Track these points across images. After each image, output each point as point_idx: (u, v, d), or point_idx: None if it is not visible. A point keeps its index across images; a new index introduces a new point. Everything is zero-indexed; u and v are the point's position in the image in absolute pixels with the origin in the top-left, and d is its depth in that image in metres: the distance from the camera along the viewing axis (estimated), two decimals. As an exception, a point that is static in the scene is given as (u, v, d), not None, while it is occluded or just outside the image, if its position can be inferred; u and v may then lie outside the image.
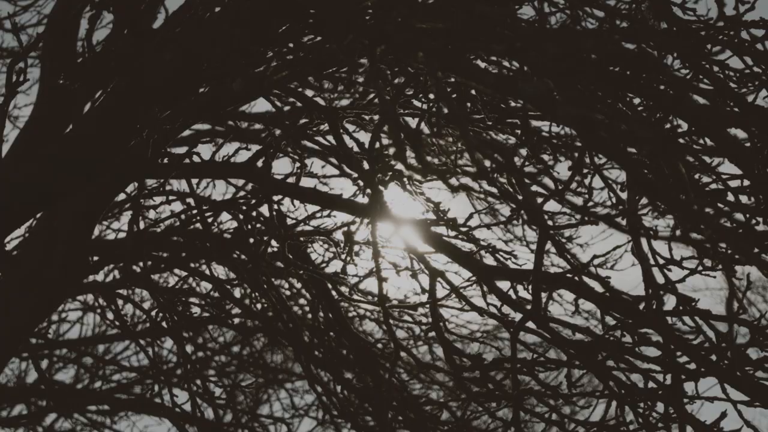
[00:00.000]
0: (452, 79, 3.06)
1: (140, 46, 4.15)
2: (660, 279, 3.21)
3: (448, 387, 5.59)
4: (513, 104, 3.43)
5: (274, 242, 4.38)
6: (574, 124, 2.19)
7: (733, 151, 3.68)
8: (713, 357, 3.46)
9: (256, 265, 4.43)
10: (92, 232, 4.51)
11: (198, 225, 4.53)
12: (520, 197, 3.27)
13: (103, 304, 5.02)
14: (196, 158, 3.94)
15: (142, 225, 4.73)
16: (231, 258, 4.56)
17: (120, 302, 6.46)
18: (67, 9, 4.50)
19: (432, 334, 4.94)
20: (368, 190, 3.44)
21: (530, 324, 3.24)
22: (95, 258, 4.67)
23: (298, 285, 5.36)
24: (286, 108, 4.83)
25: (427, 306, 3.39)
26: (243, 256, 4.54)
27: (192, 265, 4.43)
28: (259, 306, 4.90)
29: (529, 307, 3.29)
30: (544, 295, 3.21)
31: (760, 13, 3.79)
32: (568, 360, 3.24)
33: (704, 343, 3.47)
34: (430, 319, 4.50)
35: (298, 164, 4.05)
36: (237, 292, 5.25)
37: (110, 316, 5.35)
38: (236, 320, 5.47)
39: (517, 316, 3.38)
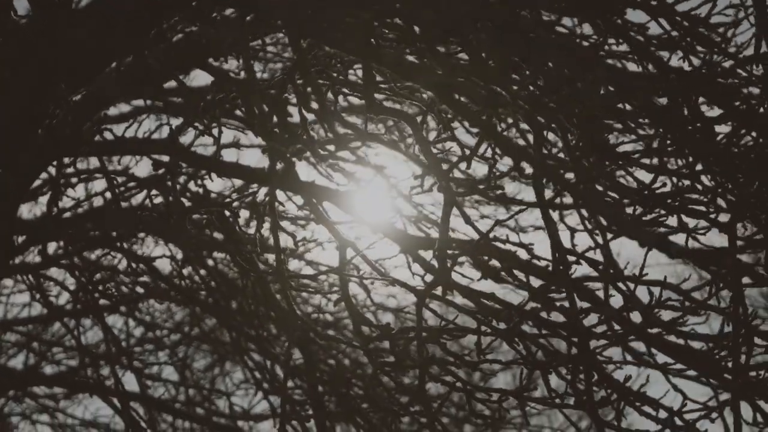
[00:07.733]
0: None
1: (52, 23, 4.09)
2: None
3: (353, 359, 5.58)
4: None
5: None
6: (432, 89, 2.17)
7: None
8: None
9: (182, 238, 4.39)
10: (17, 211, 4.46)
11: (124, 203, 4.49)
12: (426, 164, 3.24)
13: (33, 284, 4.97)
14: (108, 135, 3.88)
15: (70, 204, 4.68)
16: (161, 232, 4.52)
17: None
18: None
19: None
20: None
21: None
22: (21, 238, 4.62)
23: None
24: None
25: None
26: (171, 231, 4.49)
27: (116, 243, 4.38)
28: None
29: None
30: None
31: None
32: (478, 327, 3.21)
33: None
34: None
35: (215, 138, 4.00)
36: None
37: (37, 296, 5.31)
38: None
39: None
